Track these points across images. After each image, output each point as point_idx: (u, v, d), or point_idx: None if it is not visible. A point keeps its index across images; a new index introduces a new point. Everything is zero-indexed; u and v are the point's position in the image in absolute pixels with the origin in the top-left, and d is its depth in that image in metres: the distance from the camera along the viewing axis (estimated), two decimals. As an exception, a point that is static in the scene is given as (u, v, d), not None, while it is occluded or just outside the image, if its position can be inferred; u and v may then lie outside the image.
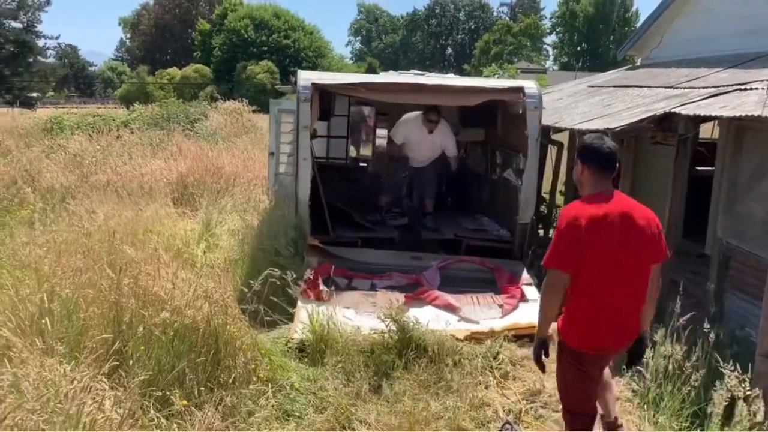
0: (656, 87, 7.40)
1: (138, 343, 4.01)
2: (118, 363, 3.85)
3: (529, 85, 7.11)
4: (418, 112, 7.79)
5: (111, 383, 3.58)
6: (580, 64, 57.76)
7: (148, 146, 13.35)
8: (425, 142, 7.80)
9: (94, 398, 3.28)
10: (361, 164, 10.23)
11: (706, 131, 8.49)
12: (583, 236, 3.13)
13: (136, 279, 4.42)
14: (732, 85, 5.96)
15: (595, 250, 3.15)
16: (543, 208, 9.74)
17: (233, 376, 4.12)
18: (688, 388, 4.10)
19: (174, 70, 52.17)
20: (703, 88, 6.32)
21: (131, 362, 3.90)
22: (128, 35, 76.62)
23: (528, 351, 5.17)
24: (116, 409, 3.33)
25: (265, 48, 51.18)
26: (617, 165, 3.38)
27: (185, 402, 3.74)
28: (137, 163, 10.77)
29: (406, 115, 8.06)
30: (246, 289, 4.83)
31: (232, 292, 4.80)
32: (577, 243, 3.14)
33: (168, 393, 3.71)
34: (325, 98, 7.73)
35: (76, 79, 70.83)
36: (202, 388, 3.92)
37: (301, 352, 5.03)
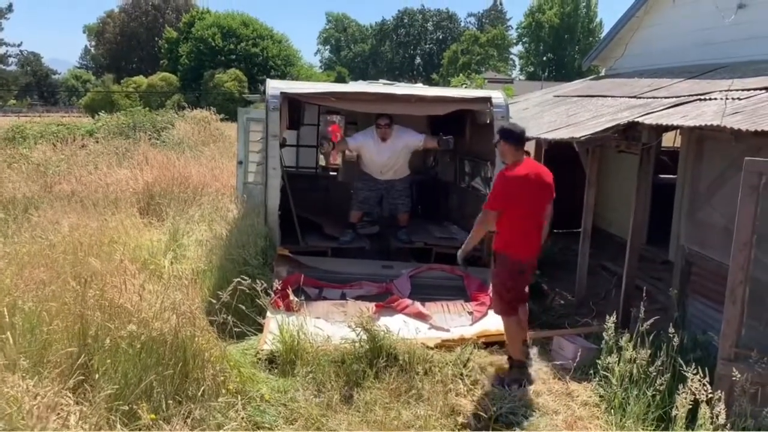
0: (620, 97, 7.56)
1: (104, 357, 3.94)
2: (83, 377, 3.78)
3: (497, 95, 7.20)
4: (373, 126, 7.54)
5: (76, 398, 3.51)
6: (546, 73, 58.57)
7: (113, 155, 13.17)
8: (382, 153, 7.49)
9: (59, 414, 3.21)
10: (331, 173, 10.23)
11: (669, 140, 8.71)
12: (511, 189, 4.81)
13: (102, 291, 4.35)
14: (692, 95, 6.13)
15: (520, 197, 4.80)
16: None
17: (202, 388, 4.08)
18: (653, 392, 4.17)
19: (140, 79, 51.47)
20: (665, 98, 6.48)
21: (97, 376, 3.83)
22: (93, 43, 75.39)
23: (497, 357, 5.25)
24: (82, 425, 3.27)
25: (233, 56, 50.84)
26: (525, 141, 5.08)
27: (153, 416, 3.68)
28: (103, 173, 10.61)
29: (366, 129, 7.81)
30: (214, 300, 4.78)
31: (200, 304, 4.75)
32: (507, 193, 4.81)
33: (135, 407, 3.64)
34: (294, 107, 7.70)
35: (39, 87, 69.46)
36: (170, 401, 3.86)
37: (271, 363, 5.00)
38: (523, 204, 4.81)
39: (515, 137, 4.94)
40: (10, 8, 48.86)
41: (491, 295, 5.42)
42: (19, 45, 55.07)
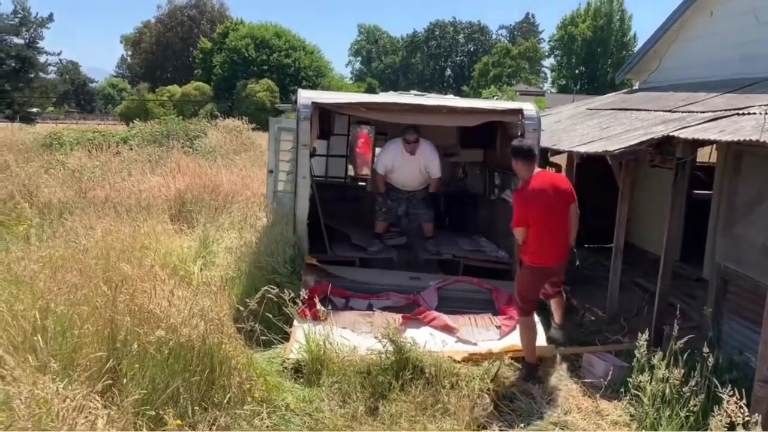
0: (654, 110, 7.44)
1: (132, 361, 3.98)
2: (111, 381, 3.81)
3: (528, 107, 7.14)
4: (399, 139, 7.52)
5: (104, 402, 3.54)
6: (578, 87, 58.06)
7: (146, 163, 13.36)
8: (409, 166, 7.48)
9: (87, 417, 3.24)
10: (360, 183, 10.24)
11: (704, 155, 8.53)
12: (528, 204, 5.14)
13: (132, 296, 4.39)
14: (729, 109, 5.99)
15: (538, 209, 5.13)
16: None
17: (228, 395, 4.09)
18: (686, 413, 4.06)
19: (174, 88, 52.38)
20: (701, 112, 6.35)
21: (125, 380, 3.87)
22: (129, 52, 77.06)
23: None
24: (109, 429, 3.29)
25: (266, 67, 51.51)
26: (535, 155, 5.38)
27: (179, 422, 3.69)
28: (136, 180, 10.77)
29: (388, 143, 7.83)
30: (242, 308, 4.80)
31: (228, 311, 4.77)
32: (525, 209, 5.16)
33: (161, 412, 3.67)
34: (324, 117, 7.74)
35: (77, 95, 71.18)
36: (197, 408, 3.88)
37: (297, 372, 4.99)
38: (542, 215, 5.15)
39: (522, 153, 5.25)
40: (50, 18, 50.02)
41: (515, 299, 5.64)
42: (58, 54, 56.44)
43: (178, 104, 47.57)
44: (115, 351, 4.07)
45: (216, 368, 4.17)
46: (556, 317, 6.05)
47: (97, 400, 3.39)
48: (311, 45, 56.78)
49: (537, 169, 5.30)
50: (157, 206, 9.14)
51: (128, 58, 78.40)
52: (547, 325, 5.98)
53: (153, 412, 3.69)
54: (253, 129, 22.03)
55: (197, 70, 59.28)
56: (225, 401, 4.04)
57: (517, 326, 5.76)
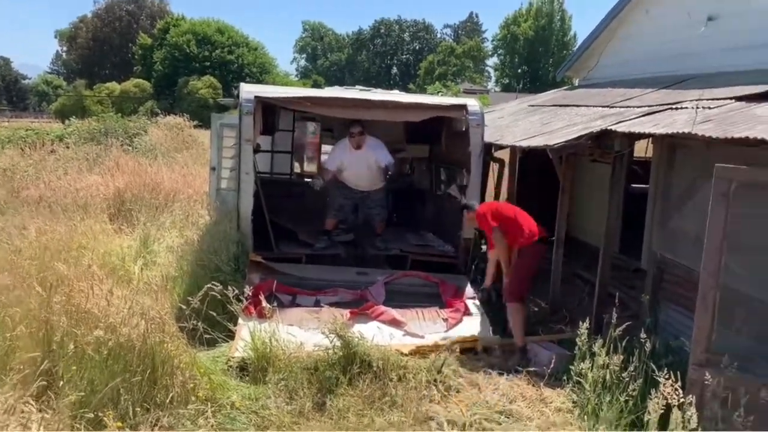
0: (593, 106, 7.63)
1: (69, 363, 3.84)
2: (47, 384, 3.66)
3: (472, 102, 7.23)
4: (346, 137, 7.50)
5: (39, 405, 3.41)
6: (520, 85, 59.23)
7: (84, 161, 12.95)
8: (358, 162, 7.47)
9: (20, 421, 3.10)
10: (306, 180, 10.16)
11: (641, 150, 8.81)
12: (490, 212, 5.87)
13: (69, 296, 4.24)
14: (664, 104, 6.21)
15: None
16: (486, 224, 9.84)
17: (171, 395, 3.99)
18: (626, 398, 4.18)
19: (113, 85, 50.88)
20: (638, 107, 6.55)
21: (61, 383, 3.73)
22: (65, 48, 74.38)
23: (472, 364, 5.23)
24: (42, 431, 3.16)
25: (208, 63, 50.55)
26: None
27: (119, 423, 3.59)
28: (72, 178, 10.41)
29: (337, 143, 7.83)
30: (184, 306, 4.69)
31: (170, 310, 4.66)
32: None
33: (101, 414, 3.55)
34: (268, 112, 7.63)
35: (8, 92, 68.24)
36: (138, 409, 3.78)
37: (243, 370, 4.91)
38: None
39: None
40: (-22, 11, 47.82)
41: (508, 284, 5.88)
42: (-13, 49, 54.03)
43: (117, 101, 46.22)
44: (51, 353, 3.92)
45: (158, 368, 4.06)
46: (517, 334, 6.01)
47: (31, 404, 3.26)
48: (255, 41, 56.03)
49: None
50: (95, 205, 8.86)
51: (63, 53, 75.70)
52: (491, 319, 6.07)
53: (92, 415, 3.56)
54: (195, 126, 21.60)
55: (137, 66, 57.73)
56: (168, 401, 3.94)
57: (464, 318, 5.85)
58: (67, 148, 14.95)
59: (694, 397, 3.77)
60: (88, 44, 69.23)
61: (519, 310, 5.66)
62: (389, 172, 7.58)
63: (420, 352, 5.30)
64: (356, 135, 7.28)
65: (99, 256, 6.42)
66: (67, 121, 22.60)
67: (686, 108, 5.68)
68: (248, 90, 6.82)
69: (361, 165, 7.48)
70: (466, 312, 6.08)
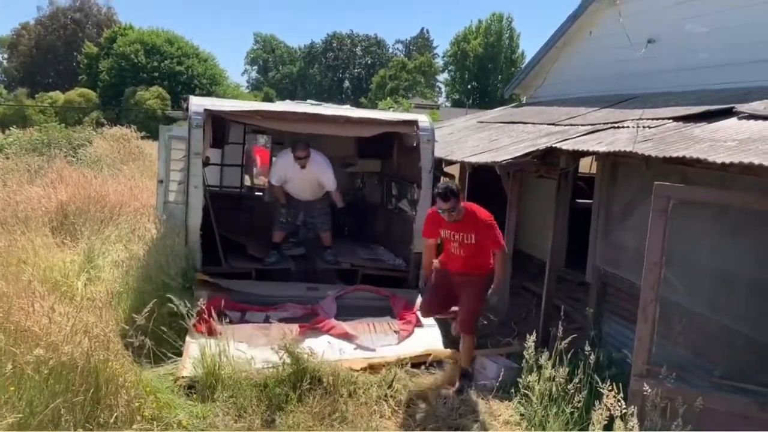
0: (540, 123, 7.84)
1: (7, 384, 3.70)
2: (-18, 406, 3.52)
3: (423, 118, 7.32)
4: (289, 150, 7.43)
5: (-26, 428, 3.27)
6: (470, 101, 60.10)
7: (25, 173, 12.49)
8: (301, 178, 7.43)
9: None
10: (257, 193, 10.08)
11: (585, 166, 9.07)
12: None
13: (7, 314, 4.10)
14: (607, 123, 6.43)
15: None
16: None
17: (115, 415, 3.89)
18: (572, 409, 4.28)
19: (57, 94, 49.30)
20: (582, 125, 6.76)
21: (-2, 405, 3.59)
22: (5, 55, 71.86)
23: (423, 379, 5.26)
24: (-22, 457, 3.04)
25: (156, 74, 49.57)
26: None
27: (60, 446, 3.47)
28: (12, 190, 10.03)
29: (280, 155, 7.74)
30: (130, 324, 4.58)
31: (114, 327, 4.54)
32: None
33: (40, 436, 3.43)
34: (218, 125, 7.56)
35: (-56, 100, 65.43)
36: (80, 430, 3.66)
37: (191, 388, 4.82)
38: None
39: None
40: None
41: (466, 314, 5.42)
42: None
43: (60, 111, 44.79)
44: (-13, 373, 3.77)
45: (102, 387, 3.95)
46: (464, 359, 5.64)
47: (-35, 427, 3.13)
48: (205, 52, 55.19)
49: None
50: (36, 218, 8.56)
51: (4, 61, 73.11)
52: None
53: (30, 437, 3.44)
54: (143, 137, 21.12)
55: (82, 75, 56.13)
56: (112, 421, 3.84)
57: (415, 330, 5.89)
58: (7, 158, 14.41)
59: (635, 407, 3.90)
60: (31, 52, 67.01)
61: (473, 340, 5.49)
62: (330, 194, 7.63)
63: (372, 367, 5.30)
64: (302, 158, 7.23)
65: (40, 272, 6.20)
66: (7, 131, 21.80)
67: (628, 127, 5.90)
68: (198, 103, 6.74)
69: (304, 181, 7.49)
70: (418, 323, 6.12)
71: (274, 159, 7.84)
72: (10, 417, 3.43)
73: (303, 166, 7.29)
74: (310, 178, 7.44)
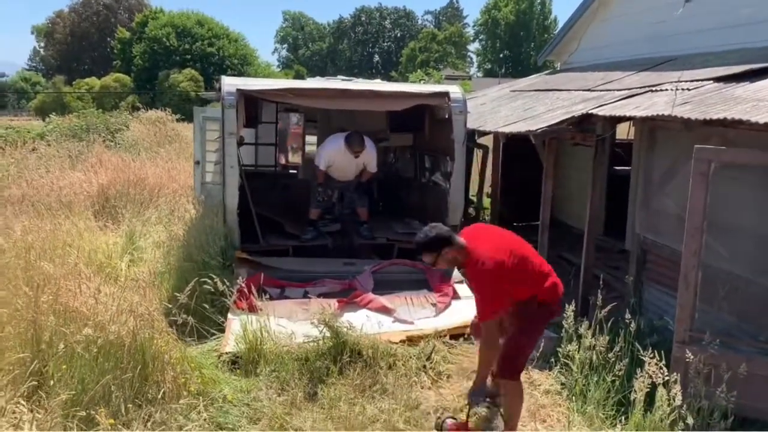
0: (574, 90, 7.69)
1: (59, 362, 3.85)
2: (37, 384, 3.67)
3: (454, 90, 7.24)
4: (341, 137, 7.39)
5: (30, 405, 3.41)
6: (503, 70, 59.22)
7: (66, 158, 12.80)
8: (348, 165, 7.54)
9: (11, 422, 3.11)
10: (291, 171, 10.15)
11: (622, 133, 8.89)
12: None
13: (56, 295, 4.23)
14: (644, 87, 6.27)
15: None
16: (471, 210, 9.92)
17: (162, 391, 4.00)
18: (612, 378, 4.25)
19: (93, 80, 50.21)
20: (618, 90, 6.61)
21: (52, 382, 3.73)
22: (42, 44, 73.25)
23: (462, 349, 5.27)
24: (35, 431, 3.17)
25: (189, 56, 50.04)
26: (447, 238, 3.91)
27: (112, 420, 3.59)
28: (55, 176, 10.30)
29: (330, 140, 7.69)
30: (173, 302, 4.70)
31: (158, 306, 4.67)
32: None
33: (93, 412, 3.56)
34: (251, 105, 7.61)
35: (-14, 91, 67.15)
36: (130, 405, 3.79)
37: (234, 364, 4.93)
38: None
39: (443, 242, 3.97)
40: (-48, 9, 46.92)
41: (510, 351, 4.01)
42: (-37, 47, 53.01)
43: (97, 97, 45.63)
44: (40, 352, 3.92)
45: (148, 364, 4.07)
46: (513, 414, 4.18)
47: (22, 404, 3.27)
48: (235, 33, 55.47)
49: (462, 241, 3.91)
50: (79, 203, 8.78)
51: (41, 49, 74.56)
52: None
53: (84, 413, 3.57)
54: (178, 120, 21.41)
55: (116, 61, 56.99)
56: (159, 396, 3.95)
57: (452, 302, 5.90)
58: (49, 145, 14.76)
59: (678, 374, 3.86)
60: (66, 39, 68.26)
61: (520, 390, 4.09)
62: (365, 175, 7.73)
63: (411, 340, 5.34)
64: (358, 152, 7.31)
65: (85, 254, 6.39)
66: (47, 119, 22.33)
67: (666, 90, 5.75)
68: (230, 83, 6.79)
69: (350, 167, 7.59)
70: (455, 296, 6.13)
71: (322, 144, 7.83)
72: (64, 394, 3.57)
73: (357, 157, 7.39)
74: (357, 163, 7.55)
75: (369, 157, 7.55)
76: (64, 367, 3.81)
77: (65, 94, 47.54)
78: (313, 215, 7.73)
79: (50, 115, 22.31)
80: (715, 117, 4.34)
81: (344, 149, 7.34)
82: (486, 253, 3.75)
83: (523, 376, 4.83)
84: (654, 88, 6.04)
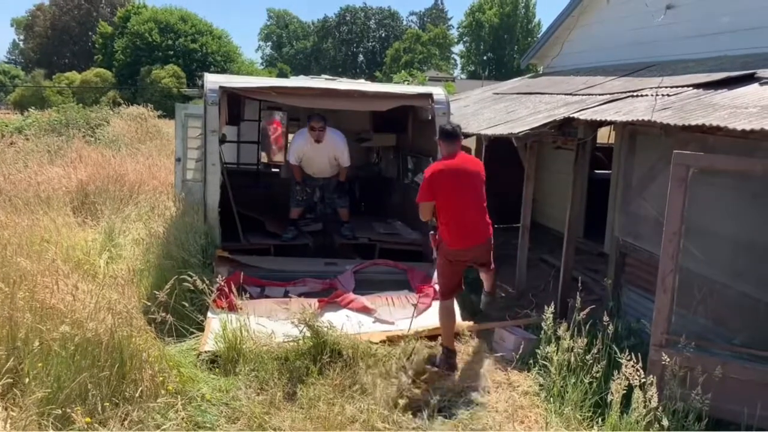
0: (557, 94, 7.75)
1: (35, 360, 3.80)
2: (12, 381, 3.62)
3: (438, 91, 7.26)
4: (306, 127, 7.44)
5: (5, 403, 3.37)
6: (486, 72, 59.49)
7: (45, 153, 12.65)
8: (317, 155, 7.47)
9: (-15, 420, 3.07)
10: (273, 170, 10.11)
11: (603, 137, 8.98)
12: (434, 181, 5.03)
13: (32, 292, 4.18)
14: (625, 92, 6.34)
15: (443, 189, 5.03)
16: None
17: (140, 389, 3.97)
18: (590, 380, 4.30)
19: (73, 74, 49.60)
20: (600, 95, 6.68)
21: (27, 380, 3.68)
22: (21, 37, 72.19)
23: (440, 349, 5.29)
24: (10, 431, 3.13)
25: (171, 52, 49.60)
26: (459, 135, 5.24)
27: (88, 419, 3.56)
28: (33, 171, 10.17)
29: (297, 134, 7.73)
30: (152, 300, 4.66)
31: (137, 303, 4.63)
32: (431, 186, 5.04)
33: (69, 410, 3.52)
34: (234, 102, 7.56)
35: (-37, 83, 66.04)
36: (107, 404, 3.75)
37: (213, 362, 4.91)
38: (451, 195, 5.01)
39: (444, 134, 5.24)
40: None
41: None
42: (-61, 38, 52.05)
43: (77, 91, 45.06)
44: (16, 350, 3.87)
45: (126, 362, 4.04)
46: (486, 285, 5.65)
47: (-4, 402, 3.22)
48: (219, 29, 55.06)
49: (457, 152, 5.14)
50: (57, 198, 8.69)
51: (21, 43, 73.50)
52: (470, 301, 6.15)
53: (59, 411, 3.53)
54: (159, 116, 21.23)
55: (97, 55, 56.33)
56: (137, 395, 3.92)
57: (434, 303, 5.91)
58: (27, 140, 14.58)
59: (654, 377, 3.91)
60: (46, 33, 67.28)
61: (444, 308, 5.24)
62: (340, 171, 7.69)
63: (391, 340, 5.35)
64: (318, 129, 7.26)
65: (63, 251, 6.32)
66: (26, 112, 22.00)
67: (646, 95, 5.82)
68: (213, 80, 6.75)
69: (321, 157, 7.52)
70: (436, 296, 6.14)
71: (291, 138, 7.82)
72: (39, 392, 3.52)
73: (318, 140, 7.31)
74: (326, 153, 7.47)
75: (339, 149, 7.49)
76: (39, 364, 3.77)
77: (45, 88, 46.90)
78: (294, 214, 7.71)
79: (29, 109, 21.98)
80: (693, 123, 4.39)
81: (309, 138, 7.33)
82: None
83: (501, 376, 4.93)
84: (635, 94, 6.11)
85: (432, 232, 5.36)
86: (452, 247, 5.10)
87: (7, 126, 18.00)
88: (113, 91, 43.53)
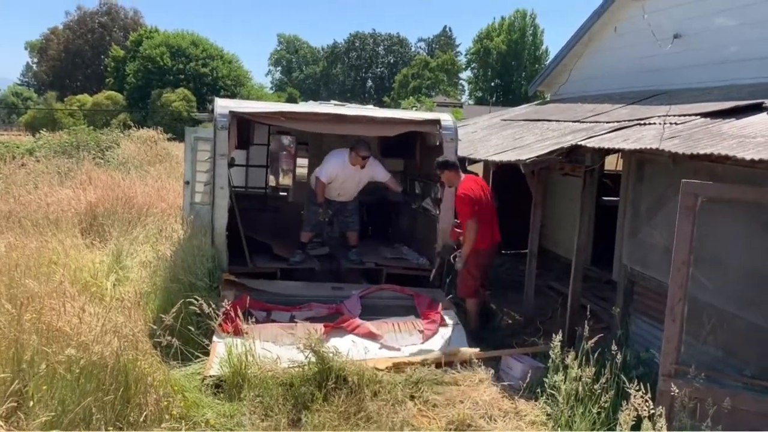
0: (564, 121, 7.77)
1: (40, 383, 3.79)
2: (16, 404, 3.60)
3: (446, 117, 7.30)
4: (345, 150, 7.44)
5: (8, 426, 3.35)
6: (493, 98, 59.83)
7: (55, 175, 12.74)
8: (353, 179, 7.51)
9: (-12, 443, 3.05)
10: (281, 193, 10.15)
11: (611, 164, 8.97)
12: (475, 199, 6.40)
13: (39, 314, 4.18)
14: (632, 120, 6.35)
15: (480, 203, 6.44)
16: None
17: (144, 414, 3.95)
18: (598, 410, 4.25)
19: (85, 97, 50.24)
20: (607, 122, 6.68)
21: (32, 403, 3.67)
22: (35, 60, 73.28)
23: (449, 377, 5.25)
24: (13, 454, 3.11)
25: (182, 76, 50.25)
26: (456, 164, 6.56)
27: (91, 443, 3.54)
28: (43, 192, 10.24)
29: (333, 153, 7.65)
30: (158, 324, 4.65)
31: (143, 327, 4.61)
32: (473, 203, 6.37)
33: (72, 434, 3.50)
34: (243, 127, 7.61)
35: (-24, 105, 66.85)
36: (111, 428, 3.73)
37: (218, 387, 4.88)
38: (483, 208, 6.47)
39: (449, 165, 6.53)
40: (-54, 22, 46.87)
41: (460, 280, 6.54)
42: (-45, 61, 52.91)
43: (88, 114, 45.62)
44: (21, 372, 3.86)
45: (131, 386, 4.02)
46: (471, 321, 6.47)
47: (0, 425, 3.20)
48: (229, 54, 55.84)
49: (463, 175, 6.49)
50: (66, 220, 8.73)
51: (34, 65, 74.55)
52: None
53: (63, 435, 3.51)
54: (169, 139, 21.39)
55: (109, 78, 57.09)
56: (141, 419, 3.90)
57: (440, 329, 5.90)
58: (38, 161, 14.70)
59: (663, 408, 3.85)
60: (60, 56, 68.31)
61: (471, 303, 6.57)
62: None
63: (397, 367, 5.31)
64: (365, 158, 7.32)
65: (71, 272, 6.32)
66: (37, 134, 22.24)
67: (654, 123, 5.82)
68: (223, 105, 6.81)
69: (353, 181, 7.56)
70: (442, 323, 6.12)
71: (326, 156, 7.75)
72: (43, 415, 3.51)
73: (363, 166, 7.38)
74: (362, 177, 7.53)
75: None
76: (44, 387, 3.76)
77: (56, 110, 47.47)
78: (305, 238, 7.70)
79: (40, 131, 22.21)
80: (702, 152, 4.39)
81: (348, 162, 7.35)
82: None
83: (508, 405, 4.87)
84: (643, 122, 6.11)
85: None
86: (479, 246, 6.40)
87: (18, 147, 18.19)
88: (124, 113, 44.00)
